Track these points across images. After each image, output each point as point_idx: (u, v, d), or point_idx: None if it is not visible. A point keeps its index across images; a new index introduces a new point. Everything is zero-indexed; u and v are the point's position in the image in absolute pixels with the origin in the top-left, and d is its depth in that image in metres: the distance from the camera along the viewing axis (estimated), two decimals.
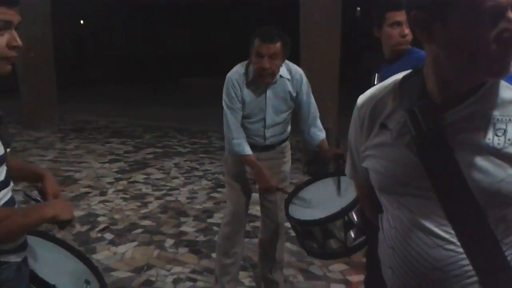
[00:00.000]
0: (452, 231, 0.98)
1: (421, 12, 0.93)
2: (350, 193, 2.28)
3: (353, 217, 2.16)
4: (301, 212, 2.30)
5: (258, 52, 2.42)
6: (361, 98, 1.17)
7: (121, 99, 12.52)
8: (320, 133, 2.69)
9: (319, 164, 5.78)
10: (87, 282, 1.55)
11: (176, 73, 16.13)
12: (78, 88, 13.29)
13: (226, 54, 18.12)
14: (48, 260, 1.59)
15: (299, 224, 2.27)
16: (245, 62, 2.60)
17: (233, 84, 2.55)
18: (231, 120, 2.58)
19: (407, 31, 2.23)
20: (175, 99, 12.86)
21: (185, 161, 6.39)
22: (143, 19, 17.33)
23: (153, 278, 3.23)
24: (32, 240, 1.54)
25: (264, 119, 2.61)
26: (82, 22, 16.86)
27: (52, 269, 1.55)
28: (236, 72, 2.58)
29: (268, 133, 2.64)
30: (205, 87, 14.33)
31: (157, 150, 7.05)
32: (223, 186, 5.23)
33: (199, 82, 15.21)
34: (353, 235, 2.19)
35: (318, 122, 2.72)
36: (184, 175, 5.72)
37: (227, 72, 2.65)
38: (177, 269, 3.36)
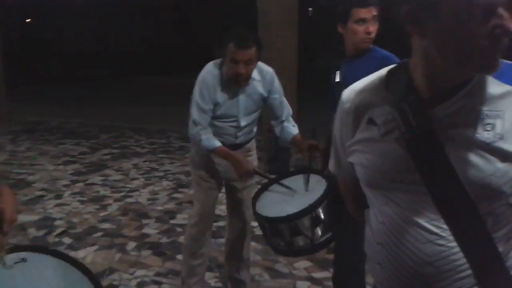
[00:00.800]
0: (443, 226, 0.98)
1: (413, 7, 0.94)
2: (317, 189, 2.30)
3: (320, 213, 2.19)
4: (268, 209, 2.30)
5: (233, 58, 2.39)
6: (346, 93, 1.17)
7: (72, 98, 12.13)
8: (293, 128, 2.69)
9: (280, 162, 5.84)
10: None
11: (127, 71, 15.81)
12: (26, 87, 12.77)
13: (178, 52, 18.01)
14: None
15: (266, 221, 2.27)
16: (218, 62, 2.55)
17: (207, 86, 2.50)
18: (198, 119, 2.54)
19: (371, 28, 2.28)
20: (128, 97, 12.59)
21: (144, 161, 6.27)
22: (92, 15, 16.87)
23: (116, 283, 3.14)
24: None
25: (237, 120, 2.60)
26: (28, 20, 16.24)
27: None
28: (210, 72, 2.53)
29: (240, 133, 2.64)
30: (161, 86, 14.16)
31: (114, 151, 6.88)
32: (185, 187, 5.18)
33: (152, 80, 14.99)
34: (320, 232, 2.21)
35: (291, 118, 2.73)
36: (143, 176, 5.61)
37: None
38: (140, 272, 3.29)
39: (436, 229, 0.99)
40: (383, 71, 1.12)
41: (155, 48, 18.07)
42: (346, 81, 2.41)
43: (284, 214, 2.18)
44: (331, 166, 1.30)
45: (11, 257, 1.43)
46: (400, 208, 1.04)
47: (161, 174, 5.71)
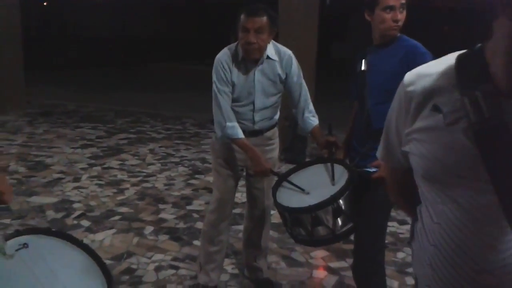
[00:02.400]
0: (509, 231, 0.89)
1: None
2: (338, 180, 2.29)
3: (342, 204, 2.18)
4: (289, 199, 2.29)
5: (244, 27, 2.38)
6: (409, 76, 1.05)
7: (88, 83, 12.19)
8: (313, 119, 2.65)
9: (296, 151, 5.82)
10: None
11: (144, 57, 15.82)
12: (44, 71, 12.85)
13: (194, 38, 17.96)
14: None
15: (288, 212, 2.26)
16: (233, 44, 2.55)
17: (223, 66, 2.49)
18: (223, 103, 2.52)
19: (399, 16, 2.23)
20: (144, 83, 12.63)
21: (160, 147, 6.29)
22: (110, 1, 16.87)
23: (134, 266, 3.17)
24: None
25: (253, 102, 2.57)
26: (45, 3, 16.28)
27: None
28: (225, 53, 2.52)
29: (257, 117, 2.60)
30: (176, 72, 14.16)
31: (131, 135, 6.91)
32: (200, 173, 5.20)
33: (168, 66, 14.99)
34: (340, 222, 2.20)
35: (311, 106, 2.67)
36: (160, 161, 5.63)
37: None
38: (158, 256, 3.31)
39: (500, 235, 0.91)
40: (452, 56, 1.01)
41: (170, 34, 18.06)
42: (372, 70, 2.38)
43: (305, 204, 2.18)
44: (380, 153, 1.21)
45: (11, 244, 1.44)
46: (459, 208, 0.95)
47: (177, 160, 5.73)
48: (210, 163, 5.53)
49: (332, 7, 15.99)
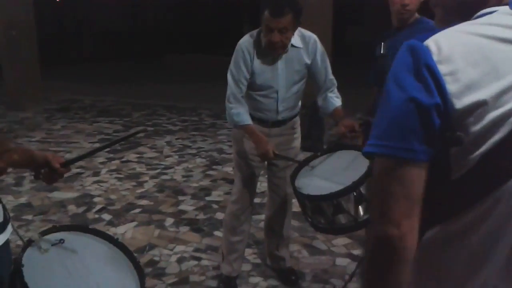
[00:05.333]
0: None
1: None
2: (358, 166, 2.24)
3: (363, 191, 2.14)
4: (308, 187, 2.26)
5: (268, 26, 2.33)
6: None
7: (104, 76, 12.24)
8: (337, 100, 2.57)
9: (312, 139, 5.77)
10: None
11: (158, 49, 15.81)
12: (59, 66, 12.95)
13: (208, 28, 17.91)
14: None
15: (308, 200, 2.23)
16: (256, 31, 2.50)
17: (243, 53, 2.45)
18: (232, 90, 2.49)
19: (407, 1, 2.20)
20: (159, 75, 12.64)
21: (176, 139, 6.30)
22: None
23: (156, 258, 3.18)
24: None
25: (276, 91, 2.53)
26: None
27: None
28: (247, 40, 2.48)
29: (281, 107, 2.57)
30: (191, 63, 14.13)
31: (148, 128, 6.93)
32: (218, 164, 5.19)
33: (183, 58, 14.96)
34: (362, 210, 2.17)
35: (335, 89, 2.61)
36: (177, 153, 5.64)
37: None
38: (180, 248, 3.32)
39: None
40: None
41: (185, 25, 18.02)
42: (391, 54, 2.34)
43: (326, 191, 2.14)
44: None
45: (48, 239, 1.51)
46: None
47: (194, 151, 5.73)
48: (227, 154, 5.53)
49: None
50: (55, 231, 1.56)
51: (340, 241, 3.37)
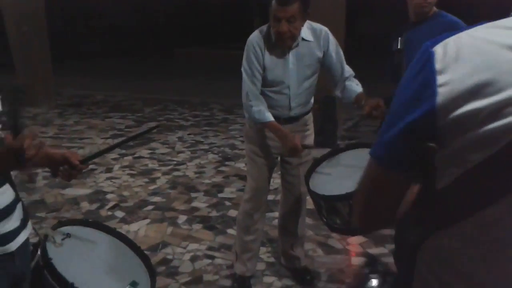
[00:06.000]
0: None
1: None
2: None
3: None
4: (323, 186, 2.21)
5: (275, 16, 2.27)
6: None
7: (115, 72, 12.27)
8: (357, 86, 2.46)
9: (326, 134, 5.71)
10: (133, 284, 1.52)
11: (169, 43, 15.78)
12: (71, 62, 13.00)
13: (218, 22, 17.85)
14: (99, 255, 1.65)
15: (323, 200, 2.18)
16: (265, 26, 2.45)
17: (254, 48, 2.40)
18: (250, 87, 2.44)
19: None
20: (170, 70, 12.63)
21: (188, 134, 6.28)
22: None
23: (170, 256, 3.16)
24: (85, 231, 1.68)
25: (288, 87, 2.47)
26: None
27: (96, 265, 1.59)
28: (257, 36, 2.43)
29: (294, 103, 2.51)
30: (201, 57, 14.10)
31: (159, 123, 6.91)
32: (230, 160, 5.15)
33: (194, 52, 14.92)
34: None
35: (354, 79, 2.51)
36: (189, 149, 5.61)
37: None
38: (193, 246, 3.30)
39: None
40: None
41: (196, 19, 17.97)
42: (408, 48, 2.27)
43: (341, 191, 2.09)
44: None
45: (57, 234, 1.62)
46: None
47: (206, 147, 5.70)
48: (239, 149, 5.49)
49: None
50: (60, 226, 1.68)
51: (356, 240, 3.32)
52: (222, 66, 12.20)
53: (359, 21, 17.88)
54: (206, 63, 13.27)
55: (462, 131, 0.77)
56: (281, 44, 2.36)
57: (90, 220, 1.82)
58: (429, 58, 0.80)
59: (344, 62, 2.53)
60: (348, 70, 2.53)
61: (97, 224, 1.79)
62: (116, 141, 5.92)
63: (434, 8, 2.19)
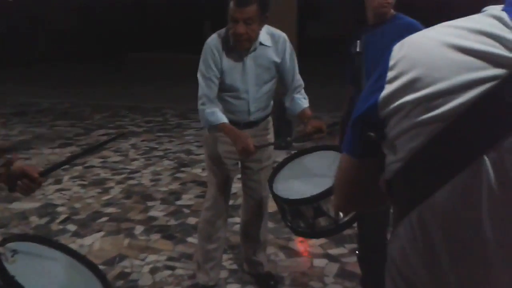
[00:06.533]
0: None
1: None
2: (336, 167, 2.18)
3: None
4: (287, 191, 2.19)
5: (232, 17, 2.24)
6: None
7: (61, 78, 11.81)
8: (304, 101, 2.54)
9: (281, 136, 5.72)
10: None
11: (117, 48, 15.41)
12: (12, 68, 12.40)
13: (169, 26, 17.61)
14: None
15: (287, 204, 2.16)
16: (224, 29, 2.41)
17: (212, 51, 2.35)
18: (204, 90, 2.39)
19: None
20: (119, 75, 12.31)
21: (142, 141, 6.11)
22: None
23: (128, 270, 3.04)
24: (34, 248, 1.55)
25: (247, 91, 2.44)
26: None
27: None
28: (214, 39, 2.39)
29: (253, 107, 2.48)
30: (151, 62, 13.84)
31: (110, 131, 6.70)
32: (187, 166, 5.06)
33: (143, 57, 14.63)
34: (342, 212, 2.11)
35: (302, 90, 2.58)
36: (143, 156, 5.46)
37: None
38: (152, 257, 3.18)
39: None
40: None
41: (145, 23, 17.63)
42: (368, 51, 2.28)
43: (305, 195, 2.07)
44: None
45: (6, 251, 1.48)
46: None
47: (161, 153, 5.56)
48: (195, 155, 5.40)
49: None
50: (4, 243, 1.53)
51: (317, 241, 3.31)
52: (173, 70, 12.03)
53: (308, 24, 18.18)
54: (156, 67, 13.03)
55: (397, 121, 0.82)
56: (238, 46, 2.32)
57: (38, 236, 1.73)
58: (388, 54, 0.87)
59: (297, 71, 2.56)
60: (298, 80, 2.56)
61: (45, 239, 1.69)
62: (64, 150, 5.69)
63: (392, 11, 2.22)
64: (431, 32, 0.84)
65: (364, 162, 0.94)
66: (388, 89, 0.83)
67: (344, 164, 0.98)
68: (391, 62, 0.84)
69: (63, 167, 4.82)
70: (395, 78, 0.83)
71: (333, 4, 15.99)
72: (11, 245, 1.53)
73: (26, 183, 1.48)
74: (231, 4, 2.23)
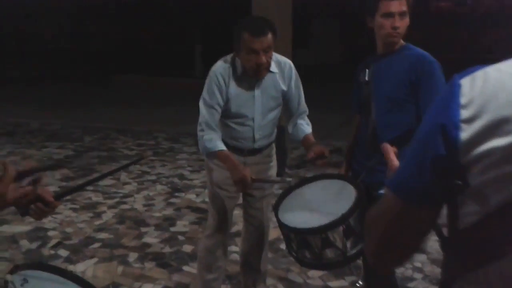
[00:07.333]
0: None
1: None
2: (344, 197, 2.16)
3: (352, 223, 2.06)
4: (293, 219, 2.15)
5: (251, 48, 2.23)
6: None
7: (50, 98, 11.69)
8: (307, 127, 2.55)
9: (278, 164, 5.69)
10: None
11: (106, 69, 15.38)
12: (2, 88, 12.26)
13: (157, 49, 17.68)
14: None
15: (294, 233, 2.13)
16: (230, 56, 2.40)
17: (217, 79, 2.35)
18: (205, 117, 2.38)
19: (398, 23, 2.16)
20: (109, 97, 12.22)
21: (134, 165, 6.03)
22: (70, 12, 16.38)
23: None
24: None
25: (252, 119, 2.42)
26: None
27: None
28: (221, 66, 2.38)
29: (258, 134, 2.47)
30: (142, 84, 13.80)
31: (101, 153, 6.60)
32: (180, 191, 4.99)
33: (133, 79, 14.59)
34: (351, 243, 2.08)
35: (306, 116, 2.60)
36: (136, 180, 5.37)
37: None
38: (147, 286, 3.10)
39: None
40: None
41: (135, 46, 17.68)
42: (376, 80, 2.29)
43: (312, 224, 2.04)
44: None
45: (15, 279, 1.45)
46: None
47: (154, 177, 5.49)
48: (189, 180, 5.34)
49: (294, 13, 16.07)
50: (17, 271, 1.50)
51: (316, 273, 3.26)
52: (163, 93, 11.99)
53: (296, 52, 18.42)
54: (147, 90, 12.98)
55: (483, 169, 0.74)
56: (257, 75, 2.32)
57: (50, 265, 1.68)
58: (456, 91, 0.78)
59: (303, 98, 2.57)
60: (304, 106, 2.58)
61: (57, 268, 1.64)
62: (55, 172, 5.58)
63: (401, 41, 2.24)
64: (505, 67, 0.78)
65: (425, 210, 0.83)
66: (468, 131, 0.75)
67: (394, 209, 0.85)
68: (462, 100, 0.76)
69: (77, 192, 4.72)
70: (474, 118, 0.75)
71: (319, 32, 16.27)
72: (23, 273, 1.50)
73: (40, 207, 1.40)
74: (247, 35, 2.22)
